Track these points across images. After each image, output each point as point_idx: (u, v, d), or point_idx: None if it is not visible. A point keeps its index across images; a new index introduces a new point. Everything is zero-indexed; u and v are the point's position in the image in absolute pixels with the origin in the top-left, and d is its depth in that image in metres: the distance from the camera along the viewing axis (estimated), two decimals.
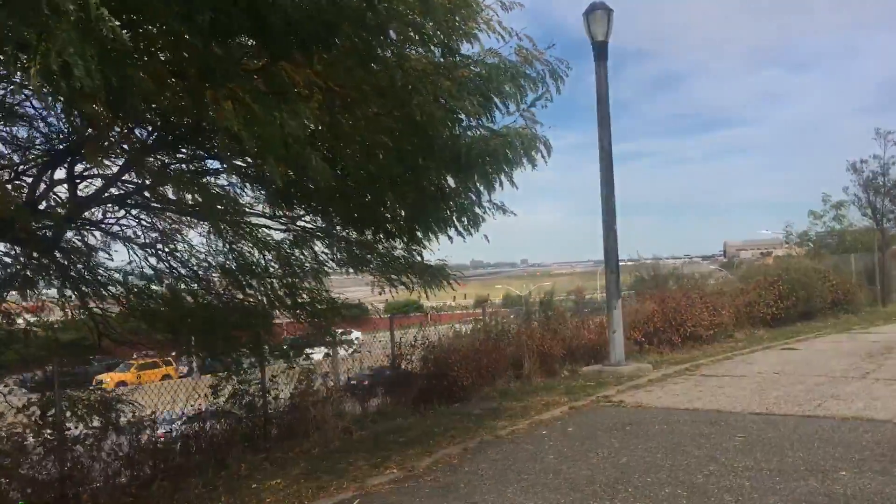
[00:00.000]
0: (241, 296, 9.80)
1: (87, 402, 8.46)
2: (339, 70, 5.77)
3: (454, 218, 8.31)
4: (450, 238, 8.51)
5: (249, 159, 6.40)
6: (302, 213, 8.62)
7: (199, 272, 9.83)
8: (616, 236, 13.68)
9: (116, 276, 9.30)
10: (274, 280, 9.96)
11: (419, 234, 8.81)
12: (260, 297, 9.80)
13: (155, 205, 8.76)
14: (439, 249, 9.28)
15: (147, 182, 7.90)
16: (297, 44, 5.25)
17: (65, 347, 9.80)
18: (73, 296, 8.97)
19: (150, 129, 7.31)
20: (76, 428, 8.09)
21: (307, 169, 5.09)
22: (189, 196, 7.14)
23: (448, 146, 6.38)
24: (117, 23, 3.29)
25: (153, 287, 9.45)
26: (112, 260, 9.21)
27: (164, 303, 9.07)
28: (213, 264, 9.80)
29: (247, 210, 9.23)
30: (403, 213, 8.03)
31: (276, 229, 9.46)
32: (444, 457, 7.93)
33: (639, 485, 6.51)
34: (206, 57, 4.74)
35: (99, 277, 9.23)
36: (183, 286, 9.85)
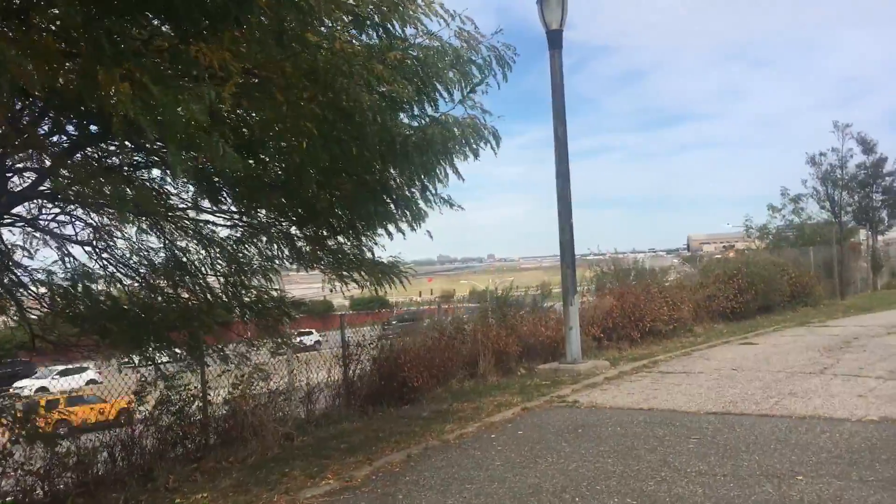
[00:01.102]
0: (185, 295, 9.30)
1: (12, 411, 7.93)
2: (258, 51, 5.29)
3: (396, 212, 7.88)
4: (390, 234, 8.10)
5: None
6: (228, 206, 8.09)
7: (141, 270, 9.31)
8: (572, 230, 13.32)
9: (39, 275, 8.76)
10: (220, 277, 9.48)
11: (361, 228, 8.39)
12: (203, 296, 9.31)
13: (90, 200, 8.19)
14: (386, 246, 8.89)
15: (68, 176, 7.36)
16: (204, 20, 4.77)
17: None
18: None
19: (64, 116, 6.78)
20: None
21: (214, 158, 4.59)
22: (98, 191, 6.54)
23: (379, 134, 5.90)
24: None
25: (80, 287, 8.91)
26: (32, 258, 8.65)
27: (91, 304, 8.49)
28: (154, 262, 9.29)
29: (188, 206, 8.75)
30: (339, 206, 7.57)
31: (221, 225, 8.98)
32: (386, 465, 7.49)
33: (586, 493, 6.14)
34: (97, 33, 4.23)
35: (21, 277, 8.67)
36: (116, 286, 9.33)
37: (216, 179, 6.85)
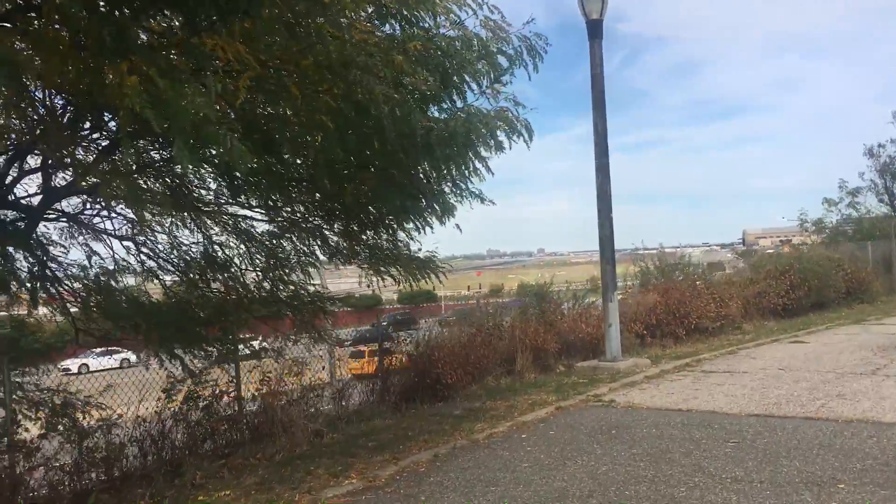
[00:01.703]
0: (222, 290, 9.33)
1: (50, 406, 7.99)
2: (272, 44, 5.18)
3: (424, 206, 7.73)
4: (421, 229, 7.99)
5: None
6: (261, 202, 8.04)
7: (181, 265, 9.37)
8: (612, 225, 13.00)
9: (74, 270, 8.86)
10: (258, 272, 9.49)
11: (390, 222, 8.28)
12: (239, 291, 9.32)
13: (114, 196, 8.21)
14: (428, 240, 8.82)
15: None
16: (215, 12, 4.67)
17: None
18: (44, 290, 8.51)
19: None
20: (28, 431, 7.61)
21: (223, 152, 4.48)
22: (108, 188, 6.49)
23: (397, 127, 5.73)
24: None
25: (114, 283, 8.98)
26: (67, 253, 8.74)
27: (115, 300, 8.53)
28: (193, 257, 9.33)
29: (213, 201, 8.75)
30: (366, 201, 7.45)
31: (259, 220, 8.98)
32: (412, 464, 7.35)
33: (614, 499, 5.92)
34: (100, 26, 4.16)
35: (56, 273, 8.76)
36: (154, 281, 9.42)
37: (236, 174, 6.77)
